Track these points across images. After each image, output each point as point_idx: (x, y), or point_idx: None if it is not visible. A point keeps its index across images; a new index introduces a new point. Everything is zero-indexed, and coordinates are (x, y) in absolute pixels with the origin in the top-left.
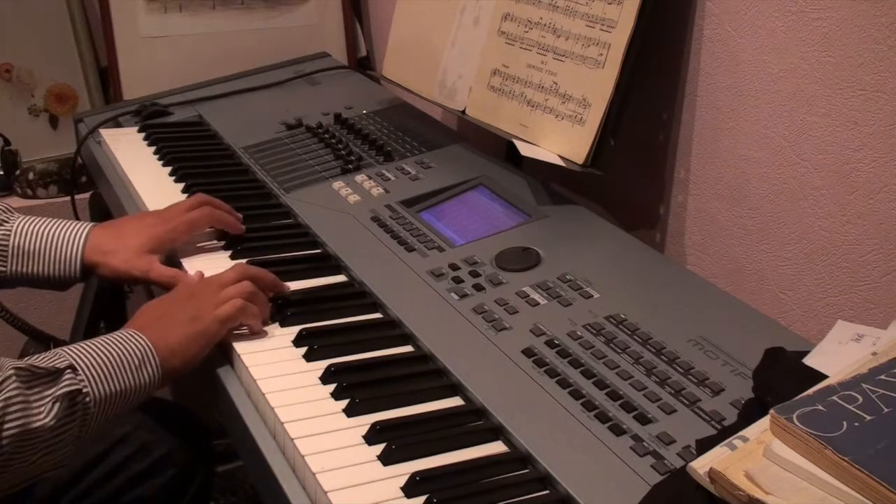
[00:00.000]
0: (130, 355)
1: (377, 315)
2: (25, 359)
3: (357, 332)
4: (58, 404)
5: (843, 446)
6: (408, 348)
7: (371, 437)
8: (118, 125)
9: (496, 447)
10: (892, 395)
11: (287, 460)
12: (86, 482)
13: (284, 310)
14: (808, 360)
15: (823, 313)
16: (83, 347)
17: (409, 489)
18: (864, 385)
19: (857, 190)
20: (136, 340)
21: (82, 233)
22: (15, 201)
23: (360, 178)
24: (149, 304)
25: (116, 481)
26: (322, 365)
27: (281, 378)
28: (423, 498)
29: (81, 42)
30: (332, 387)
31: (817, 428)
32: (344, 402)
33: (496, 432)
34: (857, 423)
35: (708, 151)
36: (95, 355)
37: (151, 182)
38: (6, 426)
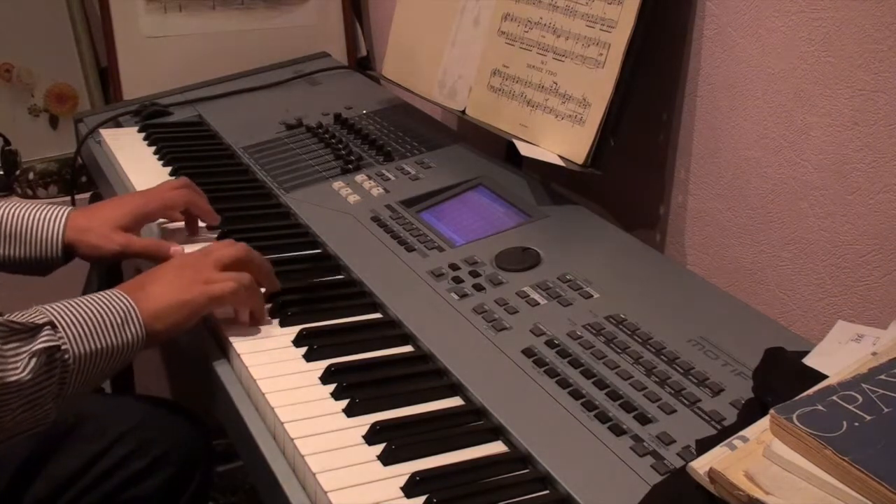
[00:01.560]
0: (112, 314)
1: (377, 315)
2: (4, 315)
3: (357, 332)
4: (34, 359)
5: (843, 446)
6: (408, 348)
7: (371, 437)
8: (118, 125)
9: (496, 447)
10: (892, 395)
11: (287, 460)
12: (84, 480)
13: (284, 310)
14: (808, 360)
15: (823, 313)
16: (64, 305)
17: (409, 489)
18: (864, 385)
19: (857, 190)
20: (119, 299)
21: (62, 215)
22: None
23: (360, 178)
24: (142, 273)
25: (115, 480)
26: (322, 365)
27: (281, 378)
28: (423, 498)
29: (81, 42)
30: (332, 387)
31: (817, 428)
32: (344, 402)
33: (496, 432)
34: (857, 423)
35: (708, 151)
36: (76, 312)
37: (151, 182)
38: None
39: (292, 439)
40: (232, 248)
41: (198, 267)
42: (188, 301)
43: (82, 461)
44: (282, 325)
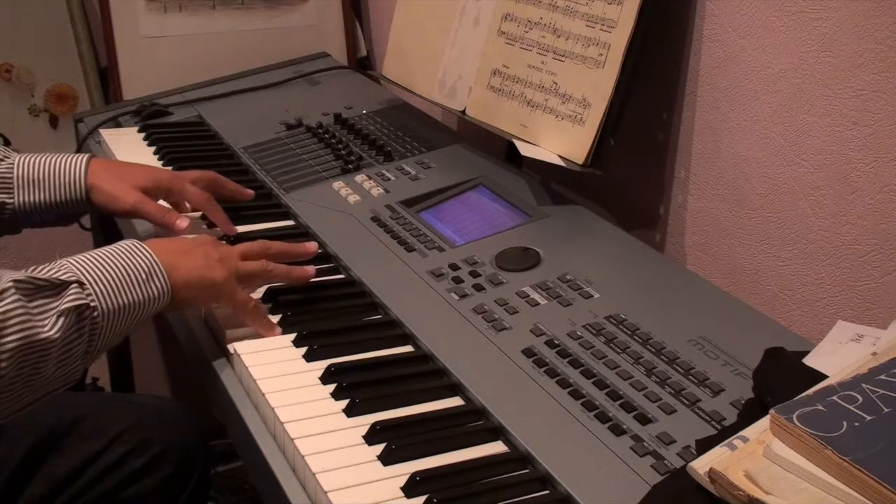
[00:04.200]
0: (137, 268)
1: (377, 315)
2: (25, 270)
3: (357, 332)
4: (63, 318)
5: (843, 446)
6: (408, 348)
7: (371, 437)
8: (118, 125)
9: (496, 447)
10: (892, 395)
11: (287, 460)
12: (83, 479)
13: (285, 310)
14: (808, 360)
15: (823, 313)
16: (88, 259)
17: (409, 489)
18: (864, 385)
19: (857, 190)
20: (142, 253)
21: (82, 158)
22: None
23: (360, 178)
24: (163, 238)
25: (113, 478)
26: (322, 365)
27: (281, 378)
28: (423, 498)
29: (81, 42)
30: (332, 387)
31: (817, 428)
32: (344, 402)
33: (496, 432)
34: (857, 423)
35: (708, 151)
36: (101, 267)
37: None
38: (6, 339)
39: (292, 439)
40: (258, 265)
41: (225, 254)
42: (219, 285)
43: (81, 460)
44: (282, 325)
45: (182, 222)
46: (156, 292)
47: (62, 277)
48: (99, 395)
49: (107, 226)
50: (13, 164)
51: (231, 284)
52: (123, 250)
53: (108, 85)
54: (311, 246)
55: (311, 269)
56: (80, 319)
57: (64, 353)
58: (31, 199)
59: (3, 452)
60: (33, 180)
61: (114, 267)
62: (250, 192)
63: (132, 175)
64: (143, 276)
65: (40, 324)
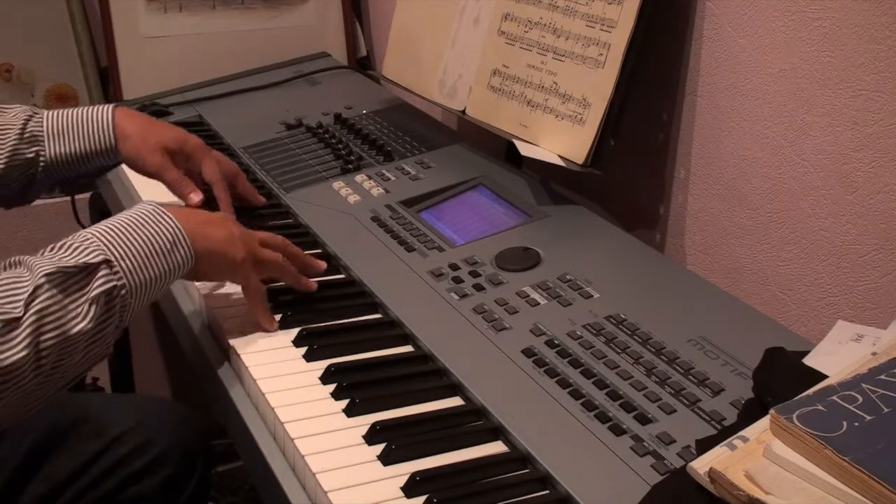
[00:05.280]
0: (162, 238)
1: (377, 315)
2: (50, 251)
3: (357, 332)
4: (94, 306)
5: (843, 446)
6: (408, 348)
7: (371, 437)
8: None
9: (496, 447)
10: (892, 395)
11: (287, 460)
12: (83, 480)
13: (285, 309)
14: (808, 360)
15: (823, 313)
16: (113, 233)
17: (409, 489)
18: (864, 385)
19: (857, 190)
20: (166, 220)
21: (108, 108)
22: None
23: (360, 178)
24: (184, 208)
25: (114, 479)
26: (322, 365)
27: (281, 378)
28: (423, 498)
29: (81, 42)
30: (332, 387)
31: (817, 428)
32: (344, 402)
33: (496, 432)
34: (857, 423)
35: (708, 151)
36: (127, 240)
37: (151, 182)
38: (45, 337)
39: (292, 439)
40: (275, 256)
41: (247, 236)
42: (239, 264)
43: (82, 461)
44: (282, 325)
45: (196, 196)
46: (180, 260)
47: (90, 260)
48: (99, 396)
49: (104, 216)
50: (42, 118)
51: (248, 266)
52: (147, 218)
53: (108, 85)
54: (322, 264)
55: (315, 283)
56: (111, 300)
57: (97, 336)
58: (63, 149)
59: (4, 453)
60: (62, 131)
61: (139, 238)
62: (262, 199)
63: (158, 134)
64: (168, 245)
65: (74, 316)
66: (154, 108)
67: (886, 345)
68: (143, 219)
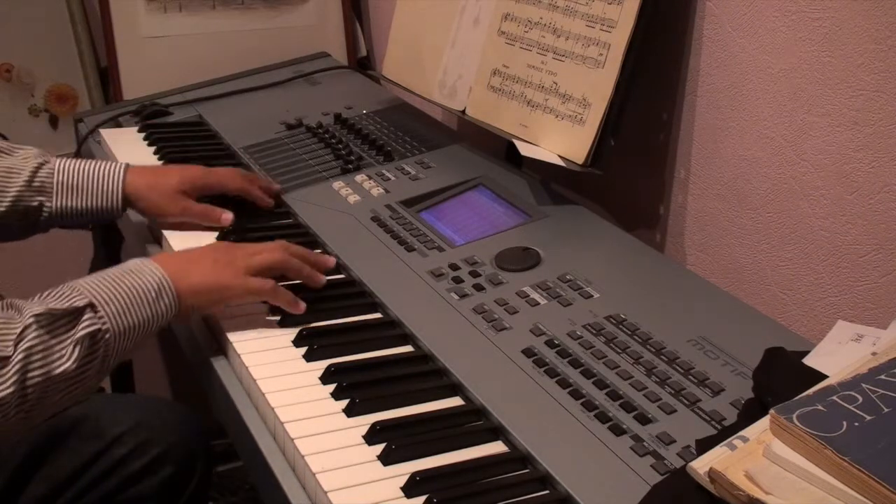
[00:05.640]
0: (147, 287)
1: (377, 315)
2: (40, 297)
3: (357, 332)
4: (78, 347)
5: (843, 446)
6: (408, 348)
7: (371, 437)
8: (118, 125)
9: (496, 447)
10: (892, 395)
11: (287, 460)
12: (83, 480)
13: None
14: (808, 360)
15: (823, 313)
16: (99, 281)
17: (409, 489)
18: (864, 385)
19: (857, 190)
20: (152, 272)
21: (120, 168)
22: None
23: (360, 178)
24: (176, 252)
25: (114, 479)
26: (322, 365)
27: (281, 378)
28: (423, 498)
29: (81, 42)
30: (332, 387)
31: (817, 428)
32: (344, 402)
33: (496, 432)
34: (857, 423)
35: (708, 151)
36: (112, 289)
37: None
38: (30, 375)
39: (292, 439)
40: (269, 255)
41: (236, 255)
42: (226, 286)
43: (82, 461)
44: (282, 325)
45: (227, 216)
46: (165, 308)
47: (77, 304)
48: (99, 396)
49: (107, 226)
50: (53, 168)
51: (240, 281)
52: (133, 270)
53: (108, 85)
54: (331, 260)
55: (324, 278)
56: (94, 343)
57: (79, 378)
58: (70, 204)
59: (4, 453)
60: (72, 186)
61: (125, 287)
62: (270, 201)
63: (167, 182)
64: (154, 294)
65: (59, 357)
66: (154, 108)
67: (886, 345)
68: (129, 270)
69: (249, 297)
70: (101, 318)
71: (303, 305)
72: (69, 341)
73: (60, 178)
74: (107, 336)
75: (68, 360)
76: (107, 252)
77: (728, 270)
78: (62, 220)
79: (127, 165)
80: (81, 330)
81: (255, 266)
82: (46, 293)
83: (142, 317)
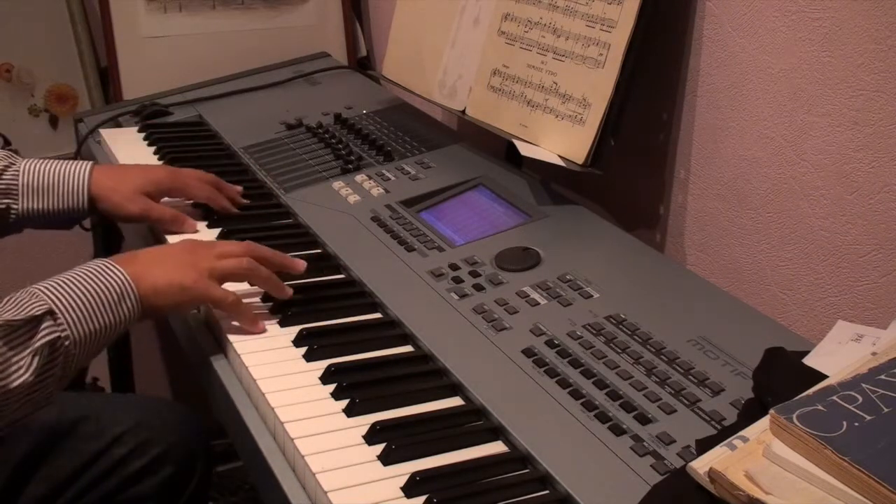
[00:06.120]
0: (109, 291)
1: (377, 315)
2: (1, 304)
3: (357, 332)
4: (37, 358)
5: (843, 446)
6: (408, 348)
7: (371, 437)
8: (118, 125)
9: (496, 447)
10: (892, 395)
11: (287, 460)
12: (83, 480)
13: (285, 309)
14: (808, 360)
15: (823, 313)
16: (59, 284)
17: (409, 489)
18: (864, 385)
19: (857, 190)
20: (114, 274)
21: (85, 169)
22: None
23: (360, 178)
24: (142, 249)
25: (114, 479)
26: (322, 365)
27: (281, 378)
28: (423, 498)
29: (81, 42)
30: (332, 387)
31: (817, 428)
32: (344, 402)
33: (496, 432)
34: (857, 423)
35: (708, 151)
36: (73, 293)
37: None
38: None
39: (292, 439)
40: (235, 261)
41: (200, 255)
42: (188, 287)
43: (81, 461)
44: (282, 325)
45: (191, 224)
46: (126, 311)
47: (35, 313)
48: (99, 396)
49: (107, 226)
50: (18, 170)
51: (202, 284)
52: (95, 272)
53: (108, 85)
54: (301, 264)
55: (290, 290)
56: (54, 352)
57: (38, 387)
58: (36, 205)
59: (4, 453)
60: (37, 188)
61: (85, 291)
62: (235, 210)
63: (131, 181)
64: (116, 297)
65: (17, 369)
66: (154, 108)
67: (886, 345)
68: (90, 273)
69: (210, 304)
70: (60, 325)
71: (262, 325)
72: (27, 352)
73: (26, 179)
74: (66, 343)
75: (26, 371)
76: (107, 252)
77: (728, 270)
78: (31, 223)
79: (93, 165)
80: (40, 339)
81: (220, 271)
82: (6, 300)
83: (103, 322)
